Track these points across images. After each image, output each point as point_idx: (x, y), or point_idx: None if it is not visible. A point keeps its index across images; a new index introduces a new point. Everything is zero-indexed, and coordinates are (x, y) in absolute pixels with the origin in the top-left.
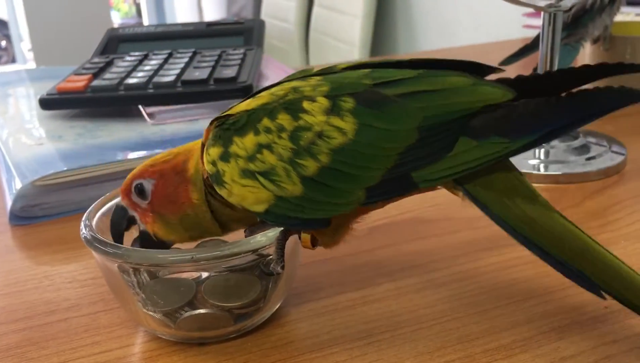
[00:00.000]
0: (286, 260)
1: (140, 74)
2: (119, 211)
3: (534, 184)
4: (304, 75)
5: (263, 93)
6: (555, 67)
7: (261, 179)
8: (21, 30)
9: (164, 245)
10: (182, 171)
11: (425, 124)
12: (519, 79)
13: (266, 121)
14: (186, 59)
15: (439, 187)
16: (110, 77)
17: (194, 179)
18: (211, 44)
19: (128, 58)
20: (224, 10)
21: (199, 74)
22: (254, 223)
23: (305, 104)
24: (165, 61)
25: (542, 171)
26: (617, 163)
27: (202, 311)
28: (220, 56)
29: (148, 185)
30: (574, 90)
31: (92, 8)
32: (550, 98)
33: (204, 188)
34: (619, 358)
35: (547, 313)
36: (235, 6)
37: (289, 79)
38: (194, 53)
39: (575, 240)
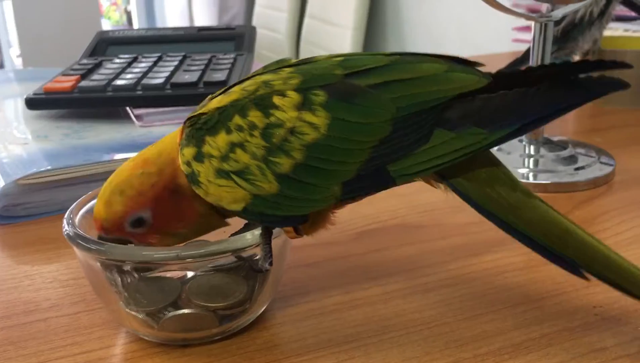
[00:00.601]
0: (273, 260)
1: (129, 75)
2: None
3: None
4: (278, 66)
5: (234, 88)
6: None
7: (236, 178)
8: (10, 36)
9: None
10: (177, 188)
11: (398, 115)
12: (499, 74)
13: (237, 119)
14: (176, 62)
15: (416, 179)
16: (98, 78)
17: (194, 193)
18: (202, 48)
19: (117, 60)
20: (215, 20)
21: (188, 77)
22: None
23: (276, 100)
24: (155, 63)
25: (531, 179)
26: (605, 173)
27: (186, 311)
28: (210, 60)
29: (146, 215)
30: (553, 80)
31: (83, 16)
32: (529, 89)
33: None
34: None
35: (537, 319)
36: (227, 16)
37: (261, 71)
38: (184, 57)
39: (556, 224)
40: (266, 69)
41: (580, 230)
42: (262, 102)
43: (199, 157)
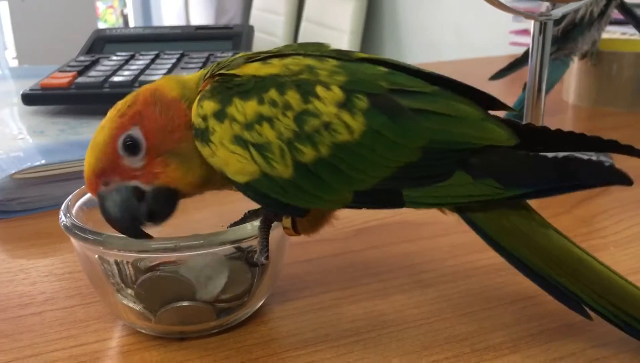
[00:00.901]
0: (271, 256)
1: (127, 72)
2: (122, 193)
3: None
4: (319, 52)
5: (273, 61)
6: (545, 80)
7: (253, 151)
8: (6, 38)
9: (170, 201)
10: (160, 98)
11: (430, 146)
12: (526, 127)
13: (273, 93)
14: (174, 60)
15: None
16: (95, 74)
17: (183, 96)
18: (199, 47)
19: (114, 57)
20: (212, 23)
21: (186, 74)
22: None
23: (319, 90)
24: (152, 61)
25: None
26: None
27: (184, 303)
28: (208, 59)
29: (137, 133)
30: (574, 154)
31: (79, 18)
32: (549, 157)
33: None
34: (608, 361)
35: (537, 315)
36: (224, 18)
37: (303, 52)
38: (182, 55)
39: (570, 254)
40: (306, 50)
41: (595, 261)
42: (305, 87)
43: (220, 116)
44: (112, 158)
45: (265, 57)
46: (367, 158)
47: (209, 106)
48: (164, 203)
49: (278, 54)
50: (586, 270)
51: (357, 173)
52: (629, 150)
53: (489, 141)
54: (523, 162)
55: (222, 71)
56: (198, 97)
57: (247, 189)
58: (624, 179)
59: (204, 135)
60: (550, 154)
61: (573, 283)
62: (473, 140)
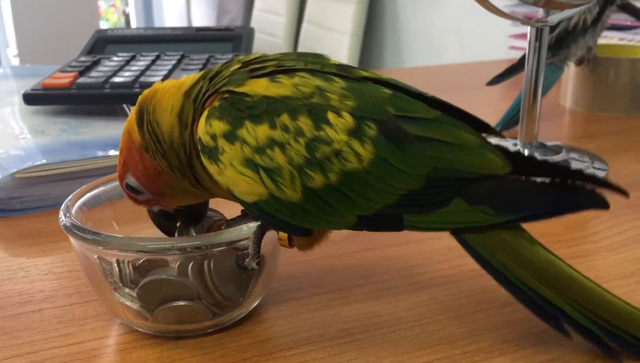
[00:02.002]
0: (266, 258)
1: (127, 73)
2: (151, 215)
3: None
4: (320, 65)
5: (283, 80)
6: (540, 85)
7: (263, 174)
8: (8, 35)
9: (195, 213)
10: (134, 143)
11: (433, 175)
12: (517, 153)
13: (286, 118)
14: (174, 61)
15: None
16: (96, 75)
17: (145, 147)
18: (200, 48)
19: (115, 58)
20: (214, 24)
21: (186, 75)
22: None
23: (331, 116)
24: (153, 62)
25: None
26: None
27: (180, 303)
28: (208, 60)
29: (131, 181)
30: (564, 180)
31: (81, 17)
32: (538, 183)
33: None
34: None
35: (527, 318)
36: (225, 20)
37: (303, 65)
38: (182, 56)
39: (558, 270)
40: (306, 62)
41: (580, 275)
42: (317, 113)
43: (231, 137)
44: (129, 197)
45: (264, 66)
46: (374, 185)
47: (219, 126)
48: (189, 217)
49: (282, 69)
50: (571, 282)
51: (362, 199)
52: (606, 185)
53: (487, 170)
54: (517, 189)
55: (229, 88)
56: (206, 114)
57: (254, 208)
58: (604, 204)
59: (212, 153)
60: (539, 180)
61: (558, 297)
62: (473, 169)
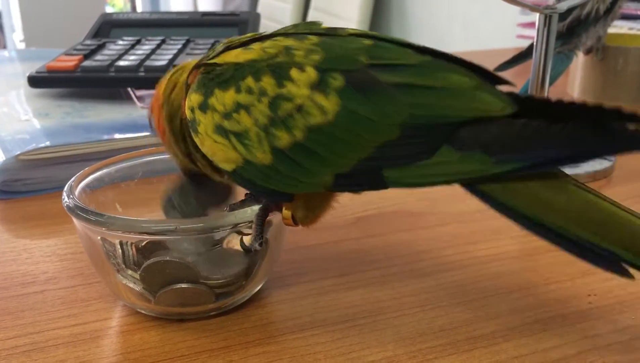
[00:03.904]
0: (270, 241)
1: (132, 57)
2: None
3: None
4: (309, 30)
5: (255, 45)
6: (548, 73)
7: (233, 139)
8: (14, 21)
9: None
10: (157, 101)
11: (410, 123)
12: (528, 98)
13: (250, 81)
14: (179, 46)
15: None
16: (101, 58)
17: (167, 109)
18: (205, 33)
19: (120, 42)
20: (220, 9)
21: (191, 60)
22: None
23: (293, 72)
24: (158, 46)
25: None
26: (605, 168)
27: (182, 285)
28: (213, 45)
29: (150, 118)
30: (578, 121)
31: (87, 2)
32: (554, 126)
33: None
34: (601, 351)
35: (531, 305)
36: (231, 5)
37: (293, 31)
38: (188, 41)
39: (596, 208)
40: (296, 30)
41: (627, 213)
42: (279, 70)
43: (204, 107)
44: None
45: (247, 40)
46: (343, 139)
47: (195, 98)
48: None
49: (261, 36)
50: (619, 223)
51: (334, 155)
52: (632, 118)
53: (480, 112)
54: (519, 132)
55: (205, 61)
56: (189, 92)
57: (235, 176)
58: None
59: (193, 127)
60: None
61: (607, 240)
62: (459, 112)
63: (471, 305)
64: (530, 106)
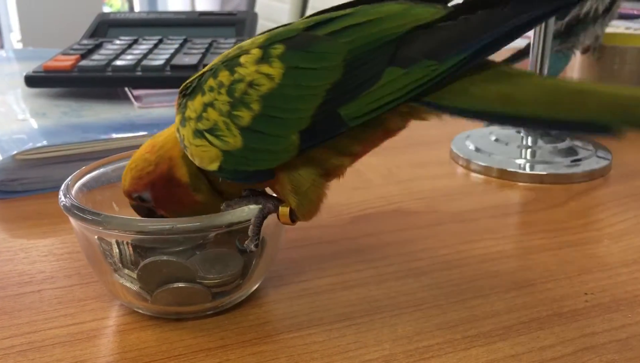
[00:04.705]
0: (267, 241)
1: (129, 57)
2: (138, 208)
3: (519, 184)
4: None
5: (216, 58)
6: (545, 72)
7: (208, 136)
8: (11, 21)
9: None
10: (173, 180)
11: (350, 57)
12: (460, 4)
13: (210, 81)
14: (176, 46)
15: (407, 120)
16: (98, 58)
17: (193, 185)
18: (203, 33)
19: (117, 42)
20: (217, 9)
21: (188, 60)
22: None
23: (242, 58)
24: (155, 46)
25: (527, 170)
26: (602, 166)
27: (179, 284)
28: (211, 45)
29: (147, 196)
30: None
31: (84, 2)
32: (495, 10)
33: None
34: (597, 350)
35: (528, 304)
36: (229, 5)
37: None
38: (185, 40)
39: (565, 89)
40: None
41: (596, 85)
42: (230, 62)
43: (183, 122)
44: (130, 196)
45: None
46: (293, 95)
47: (177, 119)
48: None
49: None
50: (592, 96)
51: (290, 113)
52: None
53: (412, 23)
54: (453, 29)
55: (182, 87)
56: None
57: (223, 173)
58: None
59: (182, 144)
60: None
61: (587, 112)
62: (393, 30)
63: (468, 304)
64: (463, 8)
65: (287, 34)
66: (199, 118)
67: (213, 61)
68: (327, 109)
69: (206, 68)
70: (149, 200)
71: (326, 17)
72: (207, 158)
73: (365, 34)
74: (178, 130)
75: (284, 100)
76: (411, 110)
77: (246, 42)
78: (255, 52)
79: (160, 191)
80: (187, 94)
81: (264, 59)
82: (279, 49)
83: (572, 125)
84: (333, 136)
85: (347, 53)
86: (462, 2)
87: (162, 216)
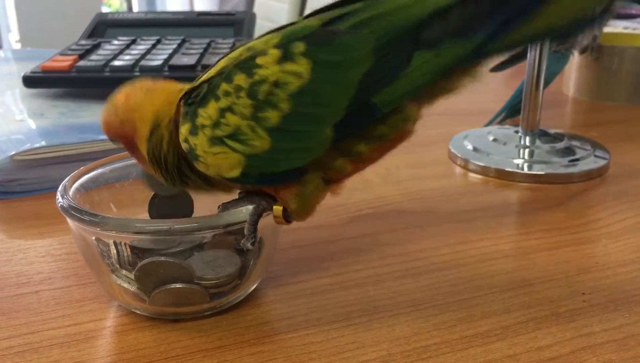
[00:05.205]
0: (265, 241)
1: (127, 57)
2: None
3: (517, 183)
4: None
5: (221, 61)
6: (543, 74)
7: (229, 142)
8: (10, 21)
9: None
10: (135, 148)
11: (378, 45)
12: None
13: (224, 85)
14: (175, 46)
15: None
16: (96, 58)
17: (152, 164)
18: (201, 33)
19: (116, 42)
20: (216, 9)
21: (187, 60)
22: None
23: (258, 60)
24: (154, 46)
25: (525, 170)
26: (600, 166)
27: (177, 285)
28: (209, 45)
29: (117, 142)
30: None
31: (83, 2)
32: None
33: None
34: (595, 350)
35: (525, 304)
36: (228, 5)
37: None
38: (183, 40)
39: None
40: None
41: None
42: (245, 64)
43: (194, 130)
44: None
45: (216, 62)
46: (326, 89)
47: (185, 128)
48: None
49: (226, 54)
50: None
51: (324, 108)
52: None
53: (433, 6)
54: (476, 6)
55: (185, 92)
56: (179, 126)
57: (246, 178)
58: None
59: (192, 155)
60: None
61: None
62: (414, 15)
63: (465, 304)
64: None
65: (302, 31)
66: (216, 125)
67: (217, 65)
68: (360, 98)
69: (209, 73)
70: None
71: (341, 12)
72: (227, 165)
73: (388, 23)
74: (187, 140)
75: (316, 95)
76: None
77: (255, 44)
78: (274, 53)
79: (126, 145)
80: (196, 101)
81: (286, 58)
82: (300, 46)
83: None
84: (366, 124)
85: (374, 42)
86: None
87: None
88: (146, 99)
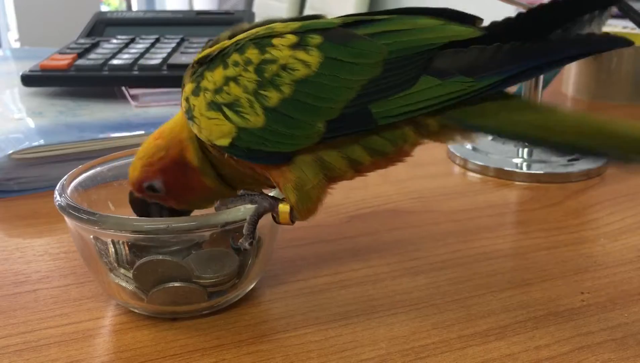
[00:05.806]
0: (263, 240)
1: (126, 56)
2: (139, 203)
3: (516, 183)
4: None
5: (240, 35)
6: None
7: (226, 110)
8: (9, 20)
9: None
10: (184, 163)
11: (389, 58)
12: (495, 25)
13: (235, 56)
14: (173, 45)
15: (424, 142)
16: (95, 57)
17: (202, 168)
18: (200, 32)
19: (114, 41)
20: (215, 8)
21: (185, 59)
22: (227, 197)
23: (275, 40)
24: (152, 45)
25: (524, 169)
26: (598, 165)
27: (175, 284)
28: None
29: (158, 184)
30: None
31: (82, 1)
32: (526, 43)
33: (205, 155)
34: (593, 349)
35: (524, 303)
36: (227, 5)
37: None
38: (182, 39)
39: (589, 124)
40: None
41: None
42: (261, 41)
43: (196, 91)
44: (138, 187)
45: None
46: (329, 85)
47: (189, 87)
48: (175, 212)
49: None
50: (612, 130)
51: (322, 102)
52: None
53: (450, 38)
54: (495, 51)
55: (198, 56)
56: (184, 83)
57: (233, 149)
58: (621, 41)
59: (189, 114)
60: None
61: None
62: (431, 41)
63: (464, 303)
64: (497, 31)
65: (322, 25)
66: (218, 91)
67: (237, 35)
68: (359, 103)
69: (227, 42)
70: (160, 189)
71: (364, 18)
72: (218, 131)
73: (405, 40)
74: (187, 98)
75: (318, 88)
76: (439, 126)
77: (276, 24)
78: (291, 37)
79: (172, 176)
80: (206, 63)
81: (300, 45)
82: (316, 39)
83: (594, 153)
84: (358, 130)
85: (387, 54)
86: (497, 27)
87: (161, 209)
88: (174, 120)
